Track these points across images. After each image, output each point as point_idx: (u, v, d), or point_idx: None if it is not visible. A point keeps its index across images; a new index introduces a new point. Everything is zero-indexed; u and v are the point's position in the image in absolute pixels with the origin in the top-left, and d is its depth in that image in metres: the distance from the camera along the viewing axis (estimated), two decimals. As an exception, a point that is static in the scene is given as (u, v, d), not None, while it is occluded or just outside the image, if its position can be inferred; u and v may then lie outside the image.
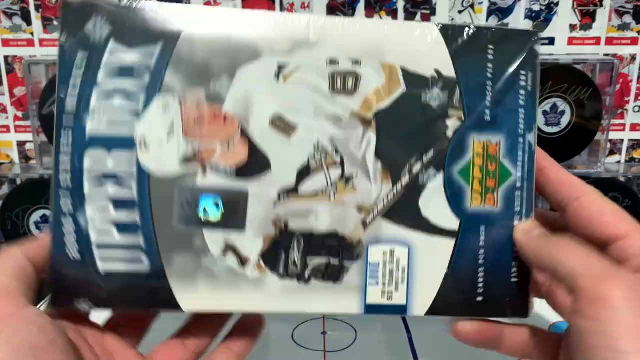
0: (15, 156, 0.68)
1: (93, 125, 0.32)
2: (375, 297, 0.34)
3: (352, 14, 0.63)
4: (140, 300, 0.32)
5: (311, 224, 0.34)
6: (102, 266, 0.33)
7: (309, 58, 0.34)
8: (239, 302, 0.33)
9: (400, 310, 0.34)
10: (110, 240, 0.33)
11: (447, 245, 0.35)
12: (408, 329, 0.53)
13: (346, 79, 0.35)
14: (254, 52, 0.34)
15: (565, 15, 0.63)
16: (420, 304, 0.34)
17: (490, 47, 0.36)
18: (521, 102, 0.36)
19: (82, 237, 0.32)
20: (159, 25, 0.33)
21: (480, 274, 0.35)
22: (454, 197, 0.35)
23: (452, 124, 0.36)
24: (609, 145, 0.66)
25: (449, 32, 0.35)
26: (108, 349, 0.33)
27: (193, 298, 0.33)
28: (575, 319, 0.26)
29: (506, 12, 0.63)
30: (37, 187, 0.64)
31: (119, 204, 0.33)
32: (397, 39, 0.36)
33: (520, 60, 0.36)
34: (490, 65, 0.36)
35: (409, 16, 0.63)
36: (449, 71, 0.36)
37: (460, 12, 0.63)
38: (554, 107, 0.60)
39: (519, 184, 0.36)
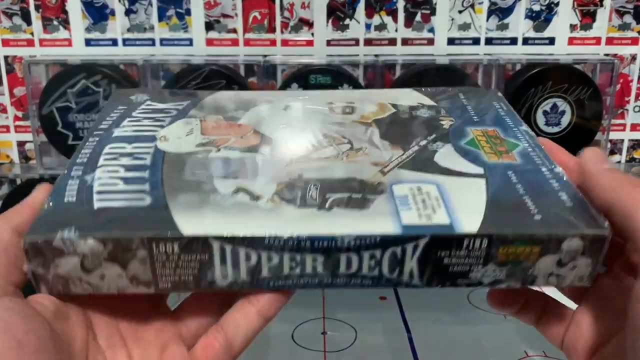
0: (15, 156, 0.68)
1: (120, 131, 0.37)
2: (411, 218, 0.28)
3: (353, 14, 0.63)
4: (134, 226, 0.27)
5: (326, 174, 0.33)
6: (98, 204, 0.29)
7: (312, 102, 0.42)
8: (251, 226, 0.27)
9: (446, 228, 0.27)
10: (113, 189, 0.31)
11: (478, 182, 0.32)
12: (408, 329, 0.53)
13: (344, 108, 0.42)
14: (266, 100, 0.42)
15: (565, 15, 0.63)
16: (469, 222, 0.28)
17: (460, 94, 0.44)
18: (502, 114, 0.41)
19: (84, 188, 0.30)
20: (188, 93, 0.43)
21: (528, 201, 0.30)
22: (469, 155, 0.35)
23: (446, 123, 0.40)
24: (609, 145, 0.66)
25: (422, 89, 0.44)
26: (133, 309, 0.31)
27: (196, 223, 0.28)
28: None
29: (506, 12, 0.63)
30: (37, 187, 0.64)
31: (130, 168, 0.33)
32: (382, 93, 0.45)
33: (487, 97, 0.43)
34: (464, 100, 0.43)
35: (409, 16, 0.63)
36: (430, 103, 0.42)
37: (460, 12, 0.63)
38: (554, 107, 0.60)
39: (530, 149, 0.36)
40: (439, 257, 0.28)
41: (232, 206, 0.29)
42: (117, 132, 0.37)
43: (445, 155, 0.35)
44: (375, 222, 0.28)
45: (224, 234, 0.27)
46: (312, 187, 0.31)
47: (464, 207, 0.29)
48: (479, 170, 0.33)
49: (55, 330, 0.26)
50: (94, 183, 0.31)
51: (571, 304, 0.33)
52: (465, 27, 0.64)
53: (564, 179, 0.32)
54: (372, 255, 0.28)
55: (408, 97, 0.43)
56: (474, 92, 0.45)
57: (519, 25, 0.64)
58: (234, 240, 0.27)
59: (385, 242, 0.27)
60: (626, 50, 0.64)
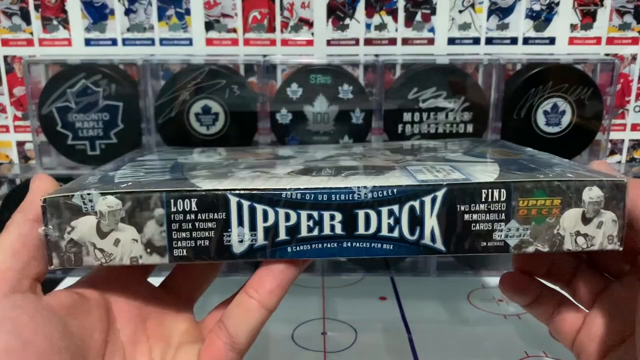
0: (14, 156, 0.68)
1: (142, 158, 0.41)
2: (426, 177, 0.29)
3: (353, 14, 0.63)
4: (153, 187, 0.28)
5: (341, 165, 0.35)
6: (119, 181, 0.30)
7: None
8: (270, 184, 0.28)
9: (462, 180, 0.28)
10: (135, 176, 0.32)
11: (491, 164, 0.33)
12: (408, 329, 0.52)
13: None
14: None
15: (565, 15, 0.63)
16: (485, 177, 0.28)
17: (466, 140, 0.49)
18: (507, 145, 0.43)
19: (106, 176, 0.32)
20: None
21: (543, 169, 0.30)
22: (478, 156, 0.37)
23: (454, 148, 0.42)
24: (609, 145, 0.66)
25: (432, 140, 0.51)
26: (163, 309, 0.31)
27: (215, 185, 0.28)
28: None
29: (506, 11, 0.63)
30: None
31: (151, 172, 0.34)
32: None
33: (492, 142, 0.47)
34: (469, 141, 0.47)
35: (410, 16, 0.63)
36: (440, 143, 0.47)
37: (460, 11, 0.63)
38: (555, 107, 0.60)
39: (537, 153, 0.38)
40: (459, 212, 0.27)
41: (250, 176, 0.30)
42: (139, 158, 0.41)
43: (456, 156, 0.38)
44: (391, 179, 0.29)
45: (242, 186, 0.27)
46: (327, 169, 0.32)
47: (479, 174, 0.29)
48: (491, 160, 0.36)
49: (69, 327, 0.26)
50: (115, 177, 0.32)
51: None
52: (465, 26, 0.63)
53: (575, 163, 0.33)
54: (391, 212, 0.27)
55: (417, 142, 0.50)
56: (480, 140, 0.49)
57: (519, 25, 0.64)
58: (252, 197, 0.27)
59: (402, 194, 0.27)
60: (626, 50, 0.64)
